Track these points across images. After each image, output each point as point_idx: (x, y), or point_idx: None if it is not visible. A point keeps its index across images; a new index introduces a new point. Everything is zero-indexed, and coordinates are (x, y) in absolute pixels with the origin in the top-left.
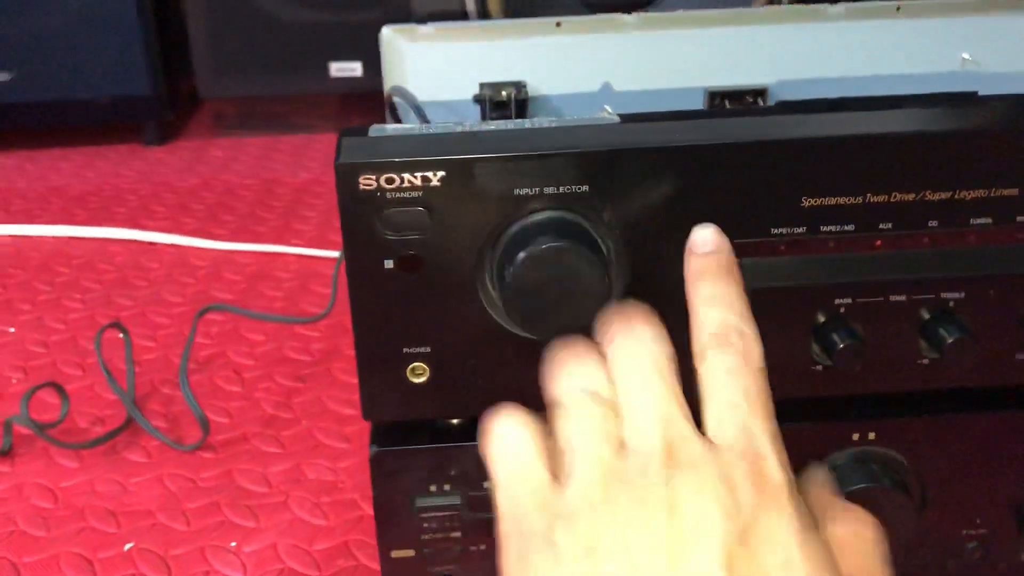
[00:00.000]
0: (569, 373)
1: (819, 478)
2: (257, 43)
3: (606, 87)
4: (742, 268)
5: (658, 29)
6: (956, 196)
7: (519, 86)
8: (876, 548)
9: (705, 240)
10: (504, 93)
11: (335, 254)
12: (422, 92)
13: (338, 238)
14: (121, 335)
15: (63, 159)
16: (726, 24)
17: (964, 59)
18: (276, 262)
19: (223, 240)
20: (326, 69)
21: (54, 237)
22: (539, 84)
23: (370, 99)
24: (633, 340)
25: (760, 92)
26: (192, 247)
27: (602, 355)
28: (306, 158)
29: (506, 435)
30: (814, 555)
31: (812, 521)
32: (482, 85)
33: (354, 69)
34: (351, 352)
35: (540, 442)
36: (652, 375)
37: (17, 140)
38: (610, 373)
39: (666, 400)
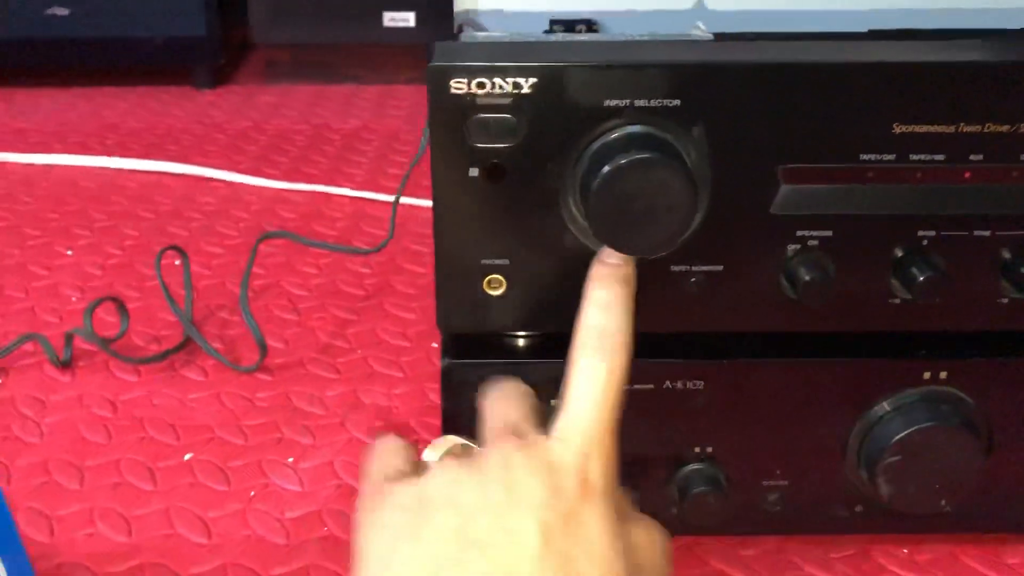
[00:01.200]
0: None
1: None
2: None
3: (695, 7)
4: (830, 193)
5: None
6: None
7: (590, 23)
8: (664, 549)
9: (614, 253)
10: (576, 30)
11: (388, 197)
12: (492, 26)
13: (390, 184)
14: (179, 261)
15: (116, 97)
16: None
17: None
18: (329, 202)
19: (276, 179)
20: (379, 18)
21: (110, 169)
22: (610, 21)
23: (421, 51)
24: (496, 389)
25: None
26: (246, 184)
27: None
28: (355, 107)
29: (384, 441)
30: (615, 547)
31: (619, 523)
32: (552, 21)
33: (407, 19)
34: (403, 289)
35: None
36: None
37: (71, 77)
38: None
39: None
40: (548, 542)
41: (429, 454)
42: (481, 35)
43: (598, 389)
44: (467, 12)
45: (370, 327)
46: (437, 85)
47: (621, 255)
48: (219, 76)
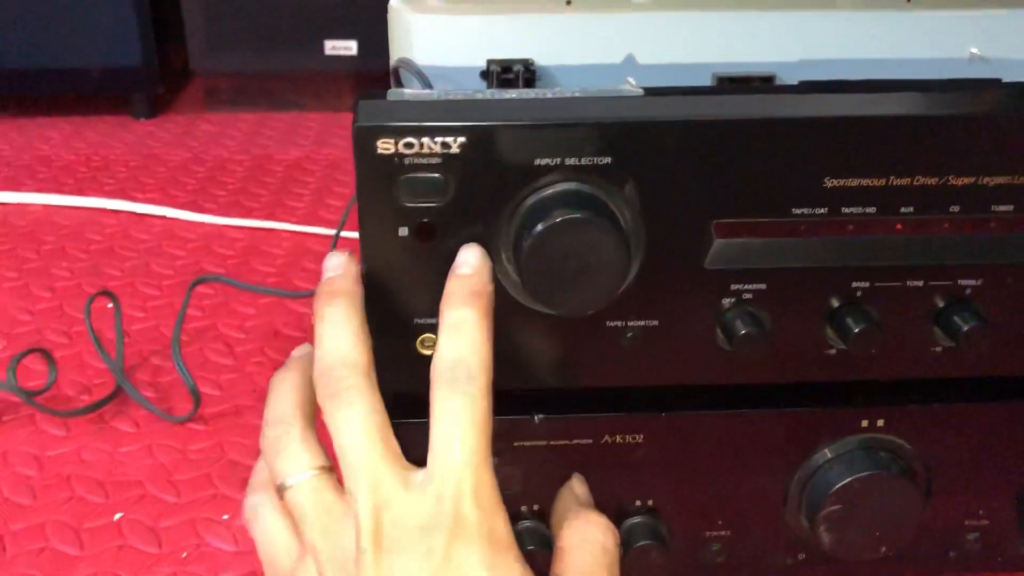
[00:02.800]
0: (276, 453)
1: (575, 487)
2: (251, 17)
3: (625, 62)
4: (763, 247)
5: (669, 10)
6: (979, 182)
7: (527, 63)
8: (603, 552)
9: (465, 261)
10: (513, 69)
11: (329, 231)
12: (428, 66)
13: (331, 216)
14: (111, 304)
15: (51, 128)
16: (736, 8)
17: (972, 53)
18: (268, 238)
19: (214, 214)
20: (321, 47)
21: (41, 205)
22: (547, 62)
23: (364, 79)
24: (342, 409)
25: (768, 79)
26: (183, 220)
27: None
28: (298, 136)
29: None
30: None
31: (503, 550)
32: (490, 61)
33: (349, 48)
34: None
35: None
36: (359, 439)
37: (3, 107)
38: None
39: (373, 463)
40: None
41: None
42: (408, 92)
43: (459, 425)
44: (402, 59)
45: None
46: (363, 145)
47: (475, 262)
48: (158, 105)
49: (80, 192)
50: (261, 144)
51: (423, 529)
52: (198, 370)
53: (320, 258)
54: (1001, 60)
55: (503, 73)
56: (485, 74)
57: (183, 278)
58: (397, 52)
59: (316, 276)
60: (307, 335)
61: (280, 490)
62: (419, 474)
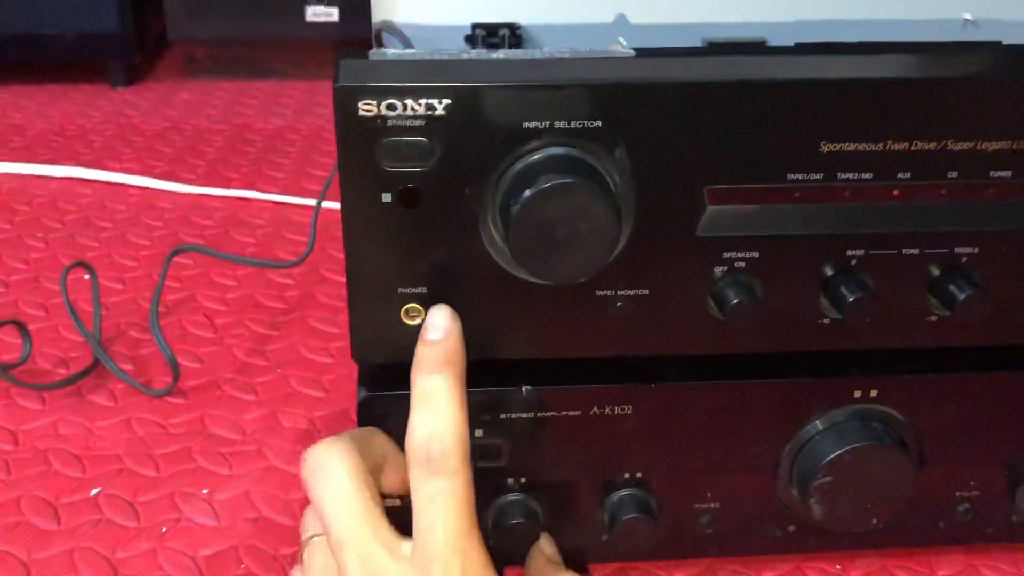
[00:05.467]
0: (305, 523)
1: (544, 547)
2: None
3: (615, 22)
4: (757, 214)
5: None
6: (978, 147)
7: (513, 27)
8: None
9: (434, 325)
10: (499, 34)
11: (310, 202)
12: (411, 30)
13: (313, 186)
14: (87, 275)
15: (26, 96)
16: None
17: (965, 19)
18: (248, 208)
19: (193, 184)
20: (302, 12)
21: (14, 175)
22: (533, 22)
23: (346, 46)
24: (321, 478)
25: (758, 44)
26: (160, 190)
27: None
28: (279, 105)
29: None
30: None
31: None
32: (474, 25)
33: (331, 14)
34: (326, 301)
35: None
36: (341, 510)
37: None
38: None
39: (356, 534)
40: None
41: None
42: (391, 52)
43: (440, 509)
44: (385, 22)
45: (291, 343)
46: (344, 107)
47: (444, 325)
48: (135, 73)
49: (54, 161)
50: (241, 113)
51: None
52: (177, 342)
53: (303, 229)
54: (993, 22)
55: (489, 37)
56: (470, 38)
57: (161, 249)
58: (380, 14)
59: (297, 246)
60: (289, 306)
61: (304, 544)
62: (408, 545)
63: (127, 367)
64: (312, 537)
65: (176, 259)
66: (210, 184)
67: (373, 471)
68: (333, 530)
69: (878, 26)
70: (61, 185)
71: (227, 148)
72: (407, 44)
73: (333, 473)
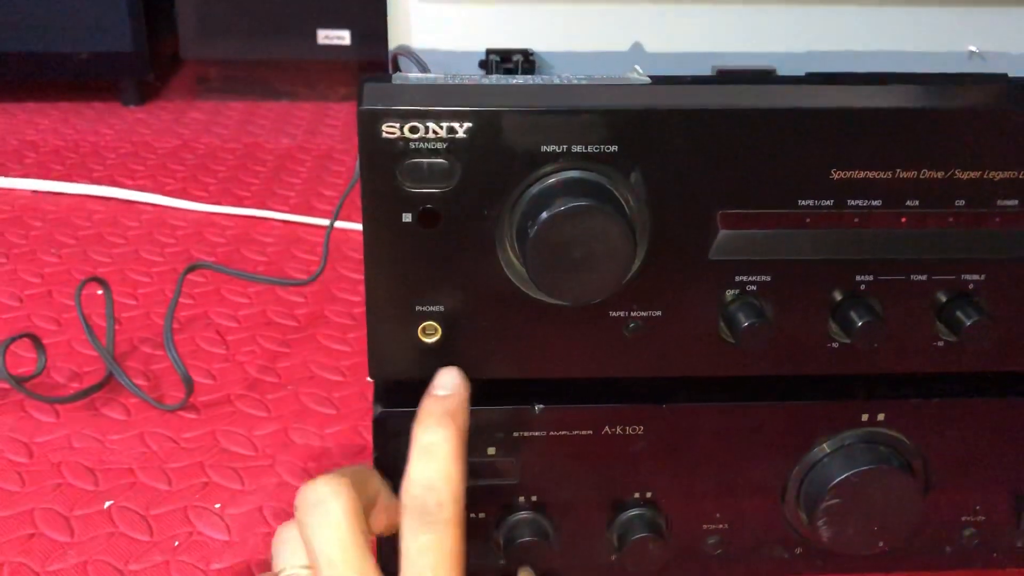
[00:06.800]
0: (280, 552)
1: None
2: (244, 5)
3: (629, 50)
4: (768, 238)
5: (670, 3)
6: (985, 176)
7: (526, 52)
8: None
9: (443, 384)
10: (513, 60)
11: (320, 221)
12: (427, 55)
13: (324, 206)
14: (101, 291)
15: (39, 114)
16: (735, 2)
17: (971, 51)
18: (259, 227)
19: (205, 202)
20: (314, 36)
21: (29, 191)
22: (546, 50)
23: (356, 69)
24: (318, 516)
25: (767, 72)
26: (173, 208)
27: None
28: (290, 125)
29: None
30: None
31: None
32: (489, 51)
33: (342, 37)
34: (337, 319)
35: None
36: (333, 550)
37: None
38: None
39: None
40: None
41: None
42: (413, 76)
43: (430, 562)
44: (402, 46)
45: (302, 360)
46: (368, 129)
47: (452, 384)
48: (148, 92)
49: (68, 178)
50: (252, 133)
51: None
52: (189, 358)
53: (313, 248)
54: (998, 55)
55: (502, 63)
56: (484, 64)
57: (173, 265)
58: (396, 39)
59: (307, 265)
60: (300, 324)
61: (276, 574)
62: None
63: (140, 382)
64: (288, 570)
65: (188, 276)
66: (222, 203)
67: (365, 510)
68: (324, 568)
69: (886, 57)
70: (74, 201)
71: (238, 167)
72: (424, 69)
73: (331, 512)
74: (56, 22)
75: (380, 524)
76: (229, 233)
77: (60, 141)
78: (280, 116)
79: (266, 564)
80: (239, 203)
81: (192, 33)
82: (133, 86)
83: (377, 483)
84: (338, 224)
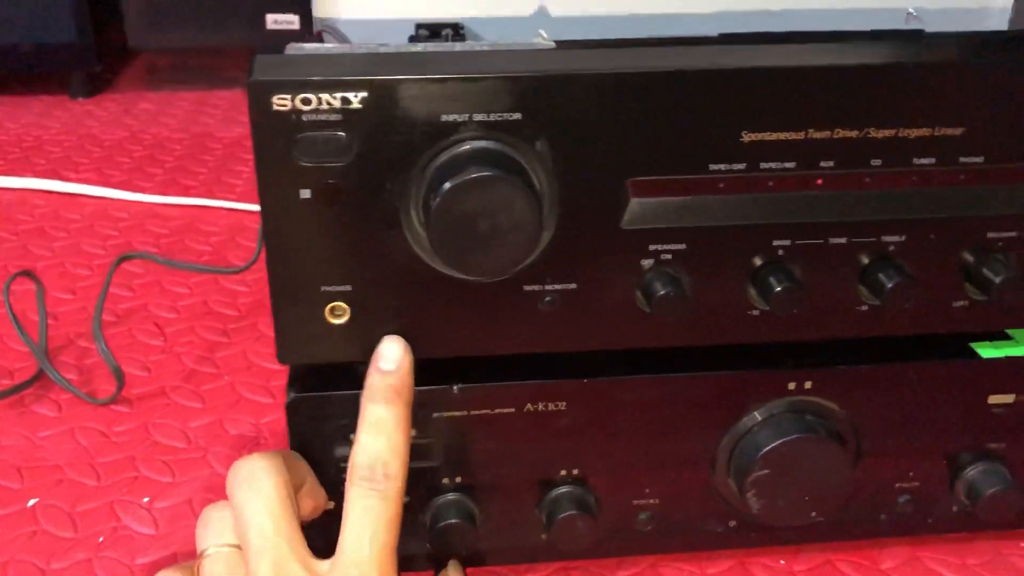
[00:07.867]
0: (204, 534)
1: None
2: None
3: (540, 12)
4: (681, 205)
5: None
6: (900, 134)
7: (456, 26)
8: None
9: (388, 357)
10: (443, 33)
11: None
12: (355, 29)
13: None
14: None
15: None
16: None
17: (909, 13)
18: (205, 216)
19: (150, 193)
20: (262, 21)
21: None
22: (477, 24)
23: None
24: (251, 490)
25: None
26: (116, 199)
27: None
28: (241, 112)
29: None
30: None
31: None
32: (418, 25)
33: (291, 22)
34: None
35: None
36: (264, 520)
37: None
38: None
39: (276, 544)
40: None
41: None
42: (309, 47)
43: (372, 523)
44: (327, 20)
45: (241, 350)
46: (259, 102)
47: (396, 356)
48: (97, 84)
49: (9, 173)
50: (202, 122)
51: None
52: (125, 351)
53: (257, 236)
54: (940, 15)
55: (432, 37)
56: (414, 39)
57: (114, 258)
58: (322, 14)
59: (251, 253)
60: (241, 312)
61: (200, 556)
62: (324, 564)
63: (73, 377)
64: (211, 549)
65: (129, 268)
66: (167, 193)
67: (295, 490)
68: (254, 538)
69: (825, 15)
70: (16, 196)
71: (186, 157)
72: (343, 40)
73: (263, 486)
74: None
75: (307, 508)
76: (173, 224)
77: (3, 135)
78: (232, 104)
79: (194, 555)
80: (185, 193)
81: (139, 22)
82: (80, 78)
83: (304, 469)
84: None
